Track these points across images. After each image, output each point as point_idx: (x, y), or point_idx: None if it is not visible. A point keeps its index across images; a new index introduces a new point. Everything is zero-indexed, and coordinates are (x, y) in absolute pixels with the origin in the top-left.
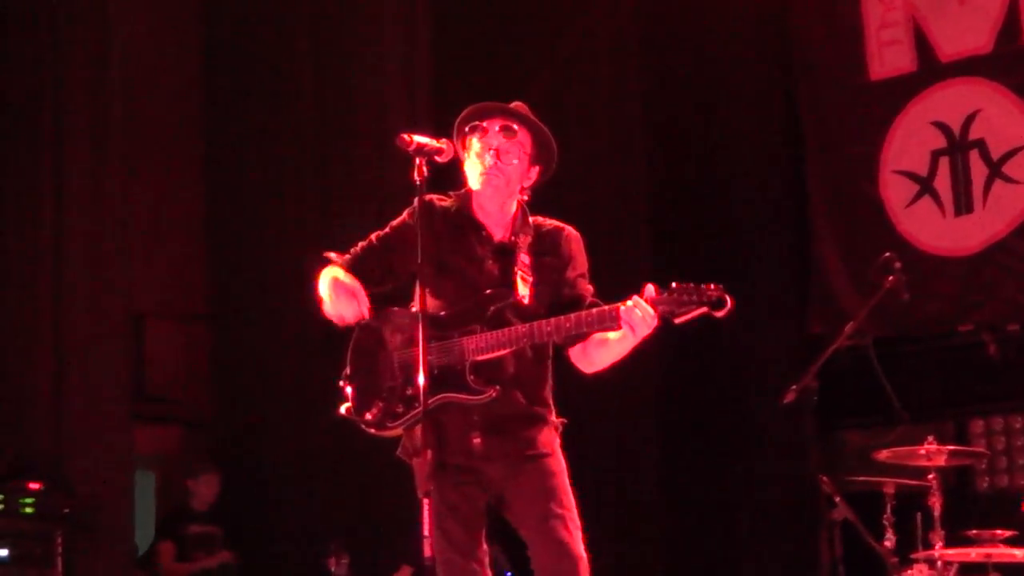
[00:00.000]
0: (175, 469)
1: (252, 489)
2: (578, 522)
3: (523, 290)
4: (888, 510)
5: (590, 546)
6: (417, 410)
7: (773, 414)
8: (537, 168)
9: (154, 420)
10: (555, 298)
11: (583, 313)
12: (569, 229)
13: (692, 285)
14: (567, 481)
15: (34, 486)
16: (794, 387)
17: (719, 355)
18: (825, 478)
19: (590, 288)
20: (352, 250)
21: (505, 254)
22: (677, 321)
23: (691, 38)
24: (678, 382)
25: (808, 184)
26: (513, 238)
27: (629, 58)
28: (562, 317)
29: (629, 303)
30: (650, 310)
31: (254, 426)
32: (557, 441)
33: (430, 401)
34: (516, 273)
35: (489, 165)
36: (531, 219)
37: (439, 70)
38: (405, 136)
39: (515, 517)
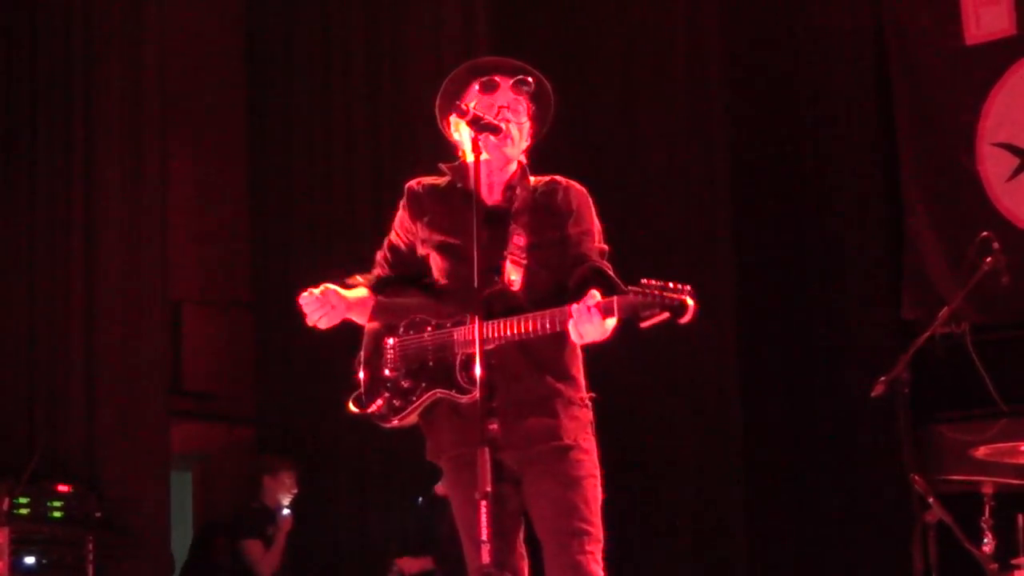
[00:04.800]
0: (214, 468)
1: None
2: (598, 534)
3: (513, 275)
4: (987, 512)
5: (671, 543)
6: (415, 404)
7: (862, 408)
8: (536, 125)
9: (192, 416)
10: (559, 259)
11: (539, 314)
12: (571, 183)
13: (657, 285)
14: (592, 483)
15: (63, 488)
16: (884, 378)
17: (804, 344)
18: (918, 477)
19: (596, 246)
20: (374, 271)
21: (496, 220)
22: (643, 326)
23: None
24: (761, 373)
25: (901, 158)
26: (506, 197)
27: (707, 20)
28: (523, 317)
29: (579, 308)
30: (594, 319)
31: (301, 423)
32: (587, 421)
33: (423, 399)
34: (506, 257)
35: (500, 126)
36: (530, 178)
37: (498, 38)
38: (462, 105)
39: (532, 518)
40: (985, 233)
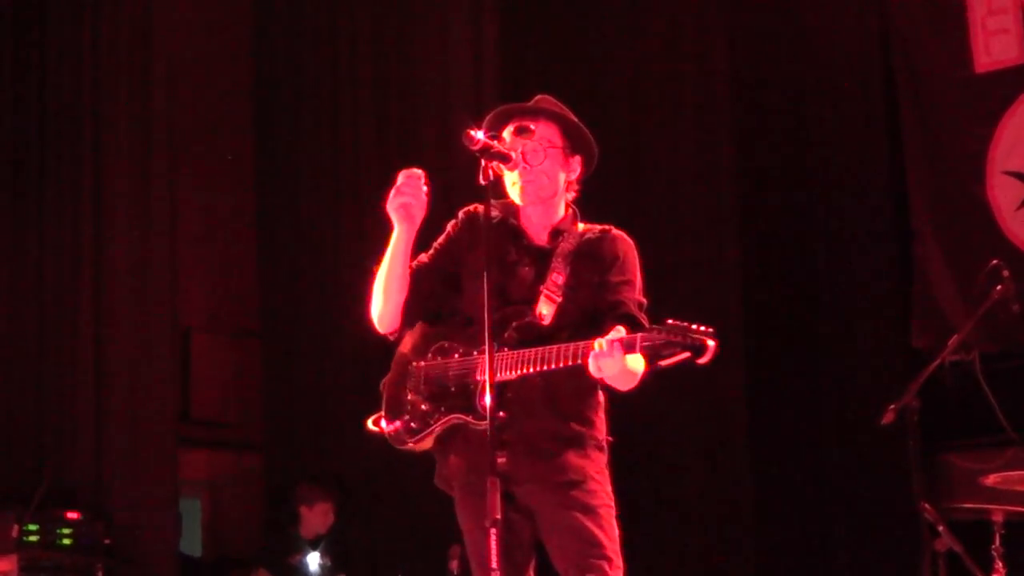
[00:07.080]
0: (223, 496)
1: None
2: (619, 561)
3: (544, 309)
4: (997, 540)
5: (680, 571)
6: (432, 427)
7: (871, 436)
8: (578, 158)
9: (200, 443)
10: (592, 304)
11: (562, 347)
12: (618, 232)
13: (681, 326)
14: (608, 512)
15: (72, 516)
16: (893, 406)
17: (813, 371)
18: (928, 505)
19: (635, 297)
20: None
21: (541, 259)
22: (661, 364)
23: (783, 28)
24: (769, 401)
25: (909, 185)
26: (553, 242)
27: (716, 50)
28: (546, 348)
29: (601, 343)
30: (614, 355)
31: (308, 451)
32: (601, 462)
33: (440, 422)
34: (541, 292)
35: (518, 172)
36: (581, 224)
37: (507, 64)
38: (472, 133)
39: (549, 550)
40: (995, 261)
